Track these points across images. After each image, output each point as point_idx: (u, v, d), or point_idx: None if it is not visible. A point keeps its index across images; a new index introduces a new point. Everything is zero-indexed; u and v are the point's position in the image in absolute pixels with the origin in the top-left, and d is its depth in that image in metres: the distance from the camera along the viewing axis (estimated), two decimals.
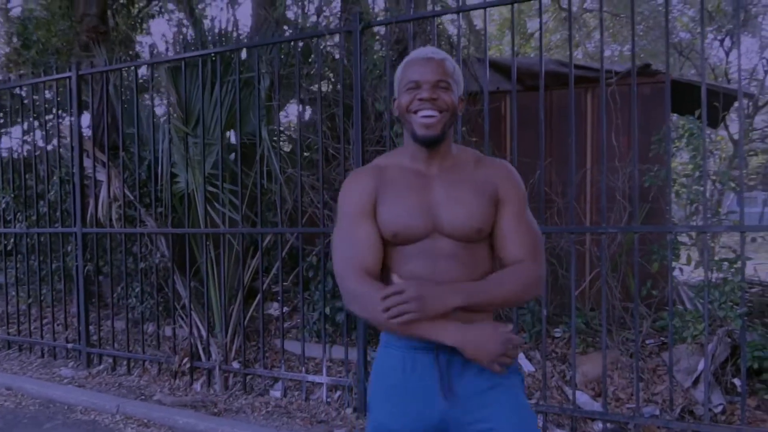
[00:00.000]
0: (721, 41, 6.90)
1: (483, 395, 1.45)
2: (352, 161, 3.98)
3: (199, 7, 9.39)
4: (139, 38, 8.58)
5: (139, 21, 8.38)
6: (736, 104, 6.05)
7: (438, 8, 3.70)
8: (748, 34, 7.67)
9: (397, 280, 1.42)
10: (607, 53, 11.04)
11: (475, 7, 3.57)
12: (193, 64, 4.41)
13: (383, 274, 1.52)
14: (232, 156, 4.69)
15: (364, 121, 3.74)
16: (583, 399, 3.56)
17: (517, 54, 10.23)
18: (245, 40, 4.81)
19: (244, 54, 4.51)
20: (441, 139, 1.48)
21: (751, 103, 5.52)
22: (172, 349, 4.47)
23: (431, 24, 3.73)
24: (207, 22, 7.04)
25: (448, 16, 5.12)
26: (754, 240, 4.33)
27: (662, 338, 4.10)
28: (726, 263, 3.31)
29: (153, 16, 8.66)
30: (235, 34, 4.89)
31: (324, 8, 5.40)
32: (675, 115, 5.63)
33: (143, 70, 5.81)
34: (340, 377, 3.92)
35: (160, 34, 21.63)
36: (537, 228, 1.56)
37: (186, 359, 4.34)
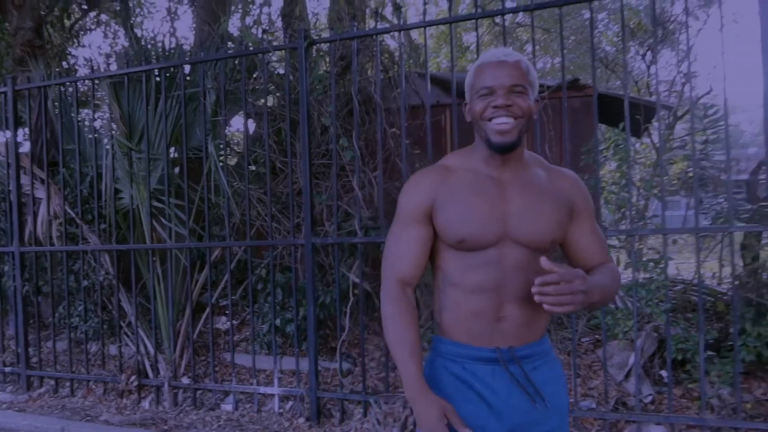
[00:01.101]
0: (643, 55, 7.39)
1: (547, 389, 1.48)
2: (299, 174, 4.06)
3: (137, 20, 9.25)
4: (73, 51, 8.37)
5: (75, 34, 8.18)
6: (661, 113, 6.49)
7: (380, 26, 3.84)
8: (667, 48, 8.17)
9: (550, 266, 1.28)
10: (539, 66, 11.53)
11: (416, 26, 3.74)
12: (135, 78, 4.39)
13: (439, 279, 1.51)
14: (178, 170, 4.68)
15: (311, 134, 3.83)
16: None
17: (456, 68, 10.53)
18: (189, 55, 4.82)
19: (187, 68, 4.52)
20: (516, 145, 1.43)
21: (671, 114, 5.94)
22: (118, 368, 4.39)
23: (374, 41, 3.87)
24: (145, 35, 6.95)
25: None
26: (675, 242, 4.66)
27: (596, 336, 4.37)
28: (651, 264, 3.58)
29: (89, 30, 8.47)
30: (177, 49, 4.89)
31: (267, 24, 5.46)
32: (603, 125, 5.98)
33: (82, 84, 5.70)
34: (291, 387, 3.97)
35: (95, 46, 21.01)
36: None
37: (133, 377, 4.28)
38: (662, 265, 3.47)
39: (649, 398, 3.50)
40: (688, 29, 3.34)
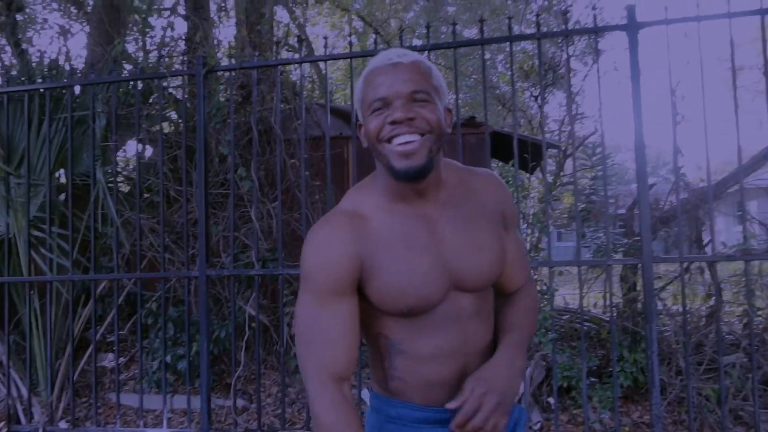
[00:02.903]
0: (536, 97, 7.89)
1: None
2: (195, 204, 3.93)
3: (26, 35, 8.70)
4: None
5: None
6: (550, 151, 6.92)
7: (282, 57, 3.85)
8: (558, 90, 8.70)
9: (454, 405, 1.07)
10: None
11: (317, 59, 3.78)
12: (17, 98, 4.11)
13: (381, 346, 1.20)
14: (63, 197, 4.39)
15: (208, 163, 3.74)
16: None
17: None
18: (80, 76, 4.58)
19: (78, 89, 4.29)
20: (429, 170, 1.11)
21: (560, 152, 6.34)
22: None
23: (276, 71, 3.86)
24: (33, 52, 6.55)
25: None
26: (561, 273, 4.93)
27: None
28: (539, 294, 3.76)
29: None
30: (67, 69, 4.64)
31: (167, 48, 5.31)
32: (499, 162, 6.28)
33: None
34: (182, 428, 3.77)
35: None
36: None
37: (2, 423, 3.90)
38: (547, 297, 3.65)
39: (538, 425, 3.63)
40: (569, 76, 3.59)
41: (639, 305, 3.89)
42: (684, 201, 4.03)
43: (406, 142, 1.08)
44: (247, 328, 3.90)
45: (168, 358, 3.97)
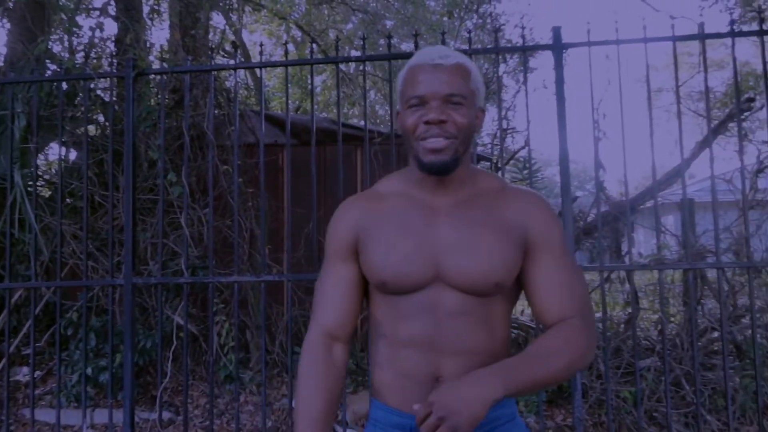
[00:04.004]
0: None
1: None
2: (122, 209, 3.80)
3: None
4: None
5: None
6: (482, 164, 7.13)
7: (217, 62, 3.80)
8: (491, 104, 8.98)
9: (416, 407, 1.04)
10: (380, 112, 12.10)
11: (251, 66, 3.75)
12: None
13: (372, 328, 1.28)
14: None
15: (136, 168, 3.63)
16: None
17: (297, 109, 10.66)
18: None
19: None
20: (453, 166, 1.17)
21: (492, 165, 6.54)
22: None
23: (210, 77, 3.80)
24: None
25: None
26: None
27: None
28: None
29: None
30: None
31: (95, 49, 5.13)
32: None
33: None
34: None
35: None
36: (583, 277, 1.25)
37: None
38: None
39: None
40: (500, 91, 3.72)
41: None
42: (605, 214, 4.24)
43: (436, 142, 1.15)
44: (174, 338, 3.79)
45: (89, 371, 3.81)
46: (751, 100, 5.43)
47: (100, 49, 5.57)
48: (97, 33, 6.09)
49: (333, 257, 1.27)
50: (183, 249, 3.64)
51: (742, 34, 3.42)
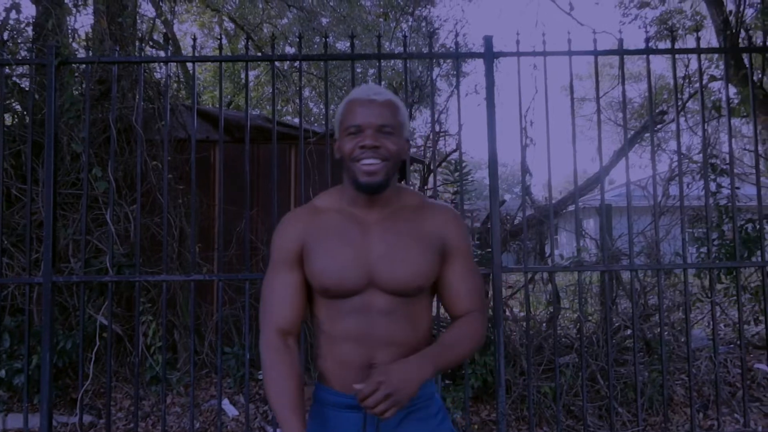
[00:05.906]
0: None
1: None
2: (41, 204, 3.63)
3: None
4: None
5: None
6: (416, 166, 7.26)
7: (146, 53, 3.68)
8: (425, 107, 9.11)
9: (358, 386, 1.25)
10: (315, 111, 12.05)
11: (184, 59, 3.67)
12: None
13: (315, 325, 1.46)
14: None
15: (58, 161, 3.47)
16: None
17: (229, 104, 10.45)
18: None
19: None
20: (384, 187, 1.39)
21: (425, 167, 6.66)
22: None
23: (139, 68, 3.68)
24: None
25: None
26: None
27: None
28: None
29: None
30: None
31: (10, 32, 4.83)
32: None
33: None
34: None
35: None
36: (481, 275, 1.54)
37: None
38: None
39: None
40: (434, 95, 3.81)
41: (489, 312, 4.20)
42: (530, 217, 4.42)
43: (371, 164, 1.35)
44: (97, 339, 3.65)
45: (2, 373, 3.61)
46: (664, 113, 5.82)
47: (16, 33, 5.27)
48: (12, 15, 5.76)
49: (280, 265, 1.44)
50: (108, 246, 3.51)
51: (657, 51, 3.67)
